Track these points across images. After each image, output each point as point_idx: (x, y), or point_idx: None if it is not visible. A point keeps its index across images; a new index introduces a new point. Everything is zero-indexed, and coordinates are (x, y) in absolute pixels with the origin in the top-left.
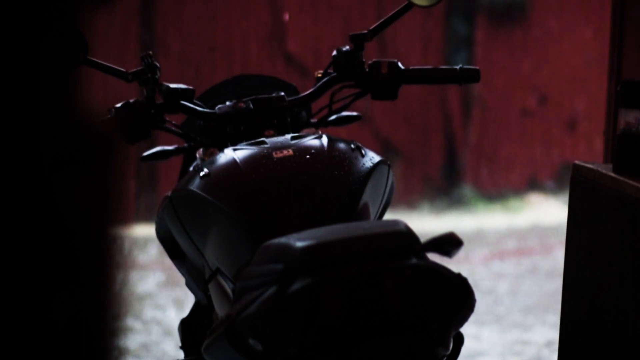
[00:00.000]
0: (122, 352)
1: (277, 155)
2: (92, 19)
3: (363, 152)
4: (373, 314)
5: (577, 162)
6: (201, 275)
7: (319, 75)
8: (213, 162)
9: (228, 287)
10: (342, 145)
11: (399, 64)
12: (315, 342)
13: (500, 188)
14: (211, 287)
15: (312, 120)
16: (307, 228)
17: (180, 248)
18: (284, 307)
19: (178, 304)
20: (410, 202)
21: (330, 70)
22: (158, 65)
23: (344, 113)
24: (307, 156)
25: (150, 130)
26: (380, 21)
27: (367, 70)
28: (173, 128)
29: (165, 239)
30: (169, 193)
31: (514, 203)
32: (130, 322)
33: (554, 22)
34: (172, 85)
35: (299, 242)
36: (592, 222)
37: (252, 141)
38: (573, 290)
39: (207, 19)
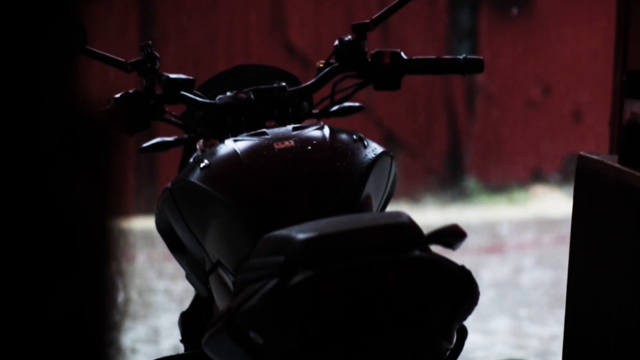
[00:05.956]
0: (121, 347)
1: (278, 146)
2: (91, 9)
3: (365, 143)
4: (375, 307)
5: (582, 153)
6: (201, 267)
7: (321, 65)
8: (213, 153)
9: (229, 280)
10: (344, 136)
11: (402, 54)
12: (317, 336)
13: (504, 180)
14: (211, 279)
15: (314, 111)
16: (309, 220)
17: (180, 240)
18: (285, 300)
19: (178, 297)
20: (413, 194)
21: (332, 61)
22: (157, 55)
23: (346, 104)
24: (309, 147)
25: (150, 121)
26: (383, 10)
27: (369, 60)
28: (173, 119)
29: (165, 231)
30: (169, 185)
31: (518, 195)
32: (130, 316)
33: (559, 12)
34: (172, 76)
35: (300, 234)
36: (597, 213)
37: (253, 132)
38: (578, 282)
39: (208, 9)
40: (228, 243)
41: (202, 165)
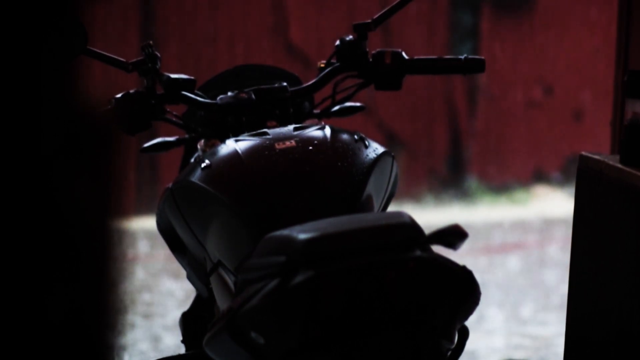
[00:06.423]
0: (122, 347)
1: (279, 146)
2: (92, 8)
3: (367, 143)
4: (376, 306)
5: (583, 153)
6: (202, 267)
7: (322, 65)
8: (214, 153)
9: (230, 280)
10: (345, 136)
11: (403, 54)
12: (318, 335)
13: (505, 180)
14: (213, 280)
15: (315, 111)
16: (310, 220)
17: (181, 240)
18: (286, 300)
19: (178, 297)
20: (415, 194)
21: (333, 61)
22: (158, 55)
23: (347, 104)
24: (310, 147)
25: (151, 121)
26: (384, 10)
27: (370, 60)
28: (174, 119)
29: (166, 231)
30: (170, 185)
31: (519, 195)
32: (130, 316)
33: (560, 12)
34: (173, 76)
35: (301, 234)
36: (598, 213)
37: (254, 132)
38: (579, 282)
39: (209, 9)
40: (229, 243)
41: (203, 165)
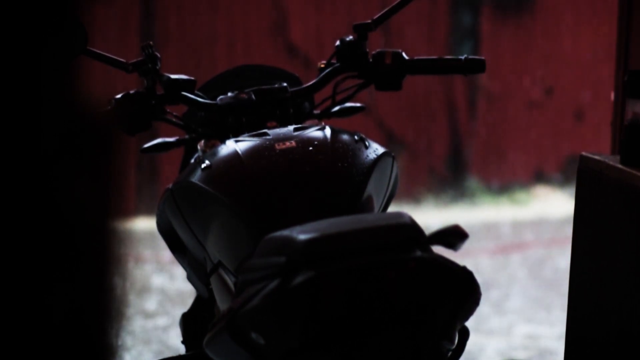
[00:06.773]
0: (122, 347)
1: (279, 146)
2: (92, 9)
3: (367, 143)
4: (376, 307)
5: (584, 153)
6: (203, 268)
7: (322, 65)
8: (214, 153)
9: (230, 281)
10: (345, 137)
11: (403, 54)
12: (318, 336)
13: (506, 180)
14: (213, 280)
15: (315, 112)
16: (310, 220)
17: (181, 241)
18: (287, 301)
19: (179, 297)
20: (415, 195)
21: (333, 61)
22: (159, 55)
23: (348, 104)
24: (310, 148)
25: (151, 122)
26: (385, 11)
27: (370, 60)
28: (174, 119)
29: (166, 232)
30: (170, 185)
31: (520, 195)
32: (131, 317)
33: (561, 12)
34: (173, 76)
35: (301, 234)
36: (599, 214)
37: (254, 132)
38: (580, 282)
39: (209, 9)
40: (229, 243)
41: (203, 165)
